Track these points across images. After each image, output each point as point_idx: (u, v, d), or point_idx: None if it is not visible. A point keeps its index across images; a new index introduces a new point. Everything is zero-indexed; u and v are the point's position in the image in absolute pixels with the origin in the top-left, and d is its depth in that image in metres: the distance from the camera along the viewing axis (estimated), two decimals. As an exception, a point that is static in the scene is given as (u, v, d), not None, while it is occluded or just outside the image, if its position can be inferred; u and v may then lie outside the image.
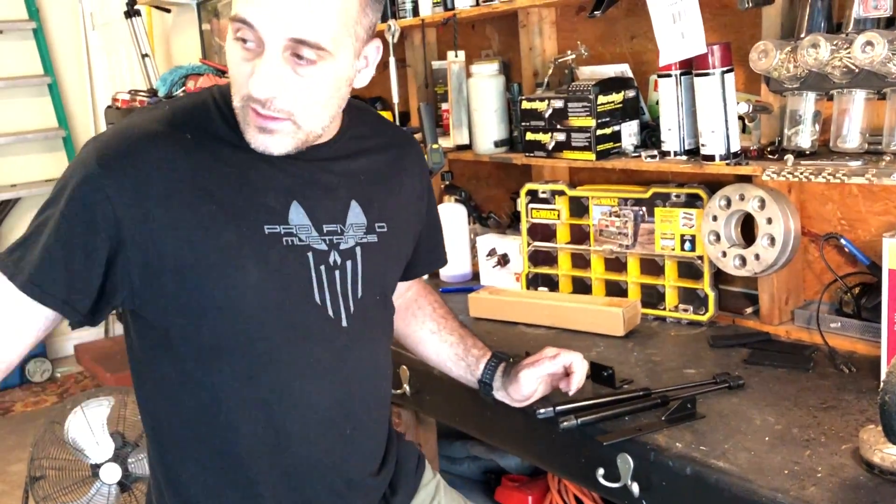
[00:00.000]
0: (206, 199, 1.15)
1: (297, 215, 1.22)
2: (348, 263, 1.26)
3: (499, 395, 1.48)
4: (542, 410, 1.41)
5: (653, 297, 1.91)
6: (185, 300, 1.15)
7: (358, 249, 1.27)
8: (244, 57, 1.12)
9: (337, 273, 1.25)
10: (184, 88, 3.41)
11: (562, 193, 2.05)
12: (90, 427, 2.45)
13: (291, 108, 1.13)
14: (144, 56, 4.10)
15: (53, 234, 1.11)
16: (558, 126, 1.93)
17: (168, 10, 4.16)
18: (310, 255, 1.22)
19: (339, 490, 1.29)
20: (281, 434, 1.22)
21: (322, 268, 1.23)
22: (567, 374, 1.46)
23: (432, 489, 1.48)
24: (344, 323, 1.26)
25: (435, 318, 1.57)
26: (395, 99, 2.37)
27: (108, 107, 4.03)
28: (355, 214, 1.28)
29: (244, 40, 1.10)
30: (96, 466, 2.46)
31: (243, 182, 1.18)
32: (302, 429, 1.23)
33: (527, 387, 1.43)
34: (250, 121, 1.14)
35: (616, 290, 1.98)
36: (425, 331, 1.56)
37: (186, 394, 1.20)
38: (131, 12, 4.02)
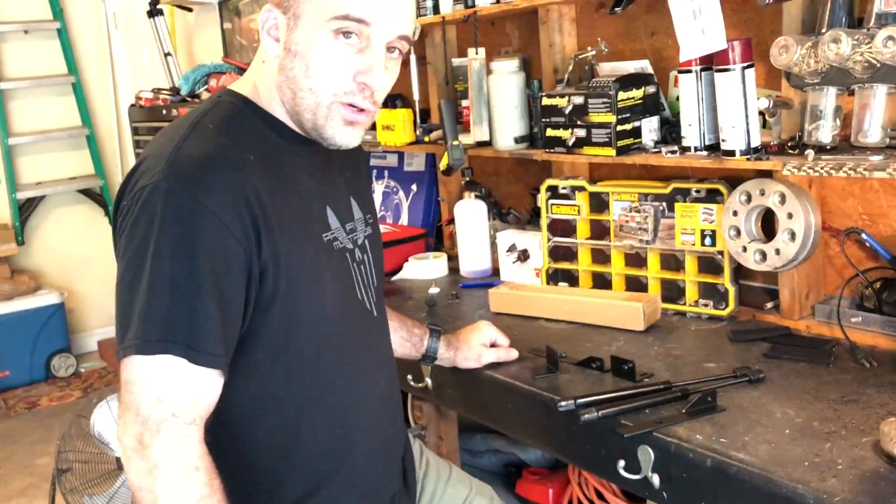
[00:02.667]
0: (286, 217, 1.16)
1: (333, 219, 1.27)
2: (365, 257, 1.32)
3: (443, 362, 1.68)
4: (563, 403, 1.42)
5: (673, 291, 1.92)
6: (281, 322, 1.16)
7: (367, 242, 1.34)
8: (348, 53, 1.15)
9: (363, 268, 1.31)
10: (206, 87, 3.46)
11: (582, 189, 2.06)
12: (115, 421, 2.49)
13: (379, 99, 1.20)
14: (167, 55, 4.15)
15: (207, 297, 1.05)
16: (578, 122, 1.94)
17: (190, 9, 4.20)
18: (347, 255, 1.28)
19: (391, 475, 1.36)
20: (355, 429, 1.27)
21: (355, 265, 1.29)
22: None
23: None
24: (374, 313, 1.33)
25: None
26: (416, 96, 2.39)
27: (132, 105, 4.09)
28: (356, 209, 1.35)
29: (346, 36, 1.14)
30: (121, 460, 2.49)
31: (299, 194, 1.21)
32: (368, 421, 1.29)
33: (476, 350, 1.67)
34: (339, 116, 1.17)
35: (636, 285, 1.99)
36: None
37: (268, 413, 1.20)
38: (154, 11, 4.07)
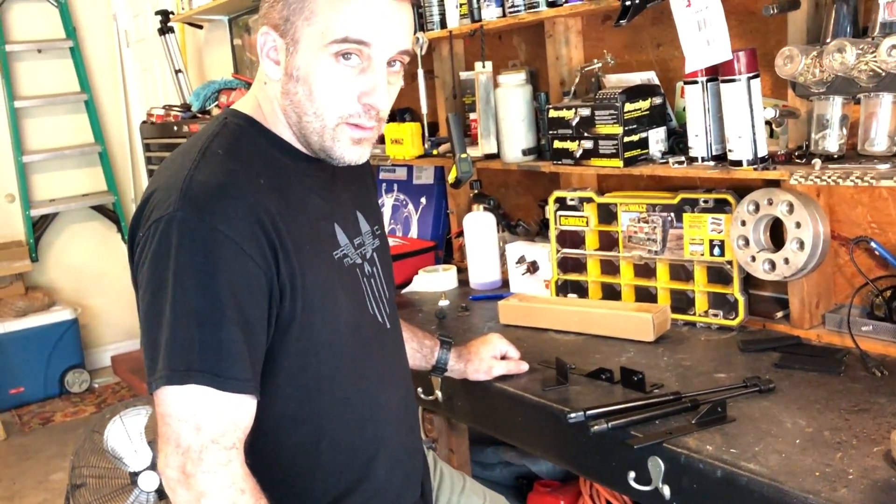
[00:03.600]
0: (298, 238, 1.16)
1: (341, 236, 1.27)
2: (375, 270, 1.33)
3: (453, 374, 1.69)
4: (572, 415, 1.43)
5: (682, 302, 1.92)
6: (299, 344, 1.17)
7: (375, 255, 1.34)
8: (350, 74, 1.14)
9: (373, 281, 1.31)
10: (217, 103, 3.48)
11: (590, 200, 2.07)
12: (129, 435, 2.50)
13: (385, 115, 1.20)
14: (178, 72, 4.18)
15: (231, 323, 1.06)
16: (586, 134, 1.94)
17: (200, 27, 4.24)
18: (357, 270, 1.28)
19: (411, 485, 1.36)
20: (375, 442, 1.27)
21: (365, 280, 1.30)
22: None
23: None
24: (388, 325, 1.33)
25: None
26: (424, 110, 2.40)
27: (144, 122, 4.13)
28: (362, 222, 1.35)
29: (346, 58, 1.13)
30: (135, 474, 2.50)
31: (308, 214, 1.21)
32: (388, 433, 1.29)
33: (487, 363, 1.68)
34: (346, 136, 1.17)
35: (645, 295, 1.99)
36: None
37: (289, 432, 1.21)
38: (165, 29, 4.11)
